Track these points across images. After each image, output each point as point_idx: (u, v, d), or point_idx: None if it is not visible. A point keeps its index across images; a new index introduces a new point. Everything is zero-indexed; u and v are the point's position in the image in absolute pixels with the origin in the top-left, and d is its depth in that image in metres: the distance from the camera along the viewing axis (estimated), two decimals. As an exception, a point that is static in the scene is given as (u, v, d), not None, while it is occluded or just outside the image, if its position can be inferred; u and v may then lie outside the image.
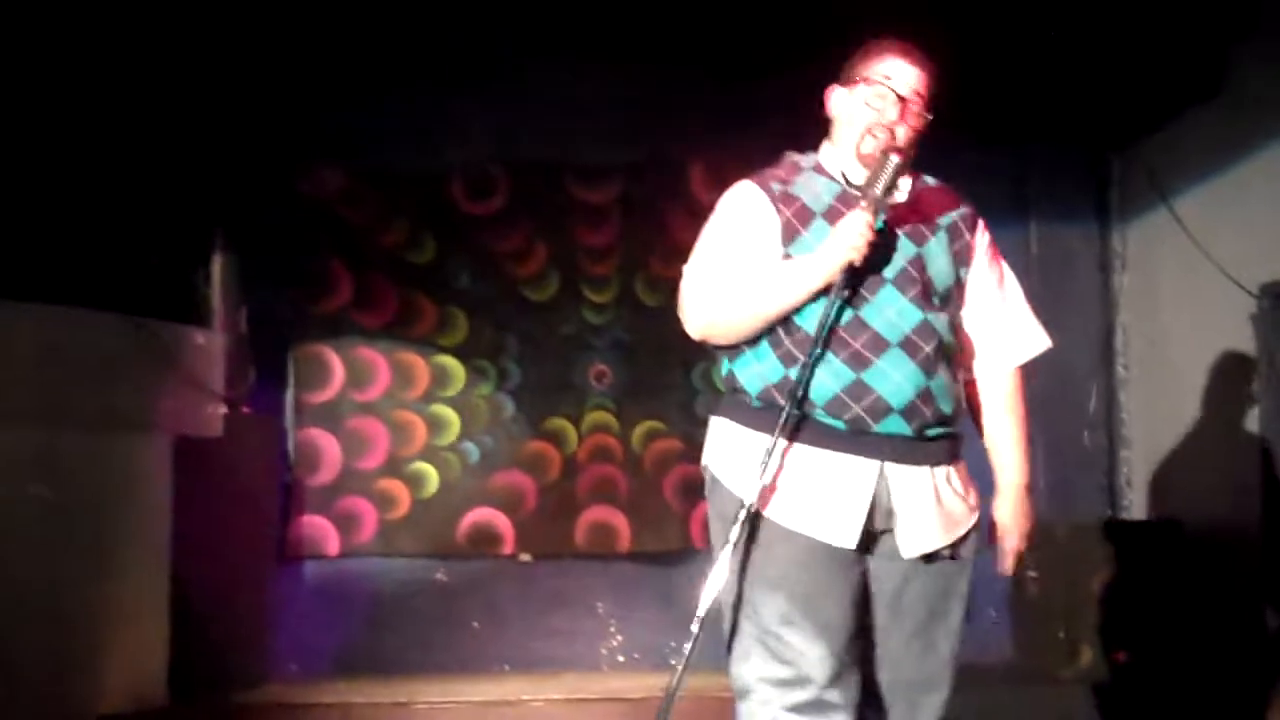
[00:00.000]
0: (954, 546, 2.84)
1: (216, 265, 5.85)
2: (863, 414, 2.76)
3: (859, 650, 2.83)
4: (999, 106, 6.12)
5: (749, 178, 2.94)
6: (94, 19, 5.16)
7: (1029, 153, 6.35)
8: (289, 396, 6.25)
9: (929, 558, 2.82)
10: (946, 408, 2.82)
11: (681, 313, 2.95)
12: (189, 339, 5.30)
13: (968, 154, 6.20)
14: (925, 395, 2.77)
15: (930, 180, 2.99)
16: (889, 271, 2.81)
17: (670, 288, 6.45)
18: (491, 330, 6.36)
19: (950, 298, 2.88)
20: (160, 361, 5.09)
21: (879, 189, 2.76)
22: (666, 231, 6.20)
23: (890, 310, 2.79)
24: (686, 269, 2.97)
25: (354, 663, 5.90)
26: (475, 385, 6.33)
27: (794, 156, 2.98)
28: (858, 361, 2.76)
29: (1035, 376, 6.20)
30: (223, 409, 5.37)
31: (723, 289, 2.87)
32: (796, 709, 2.74)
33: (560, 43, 5.90)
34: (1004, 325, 2.99)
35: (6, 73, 5.05)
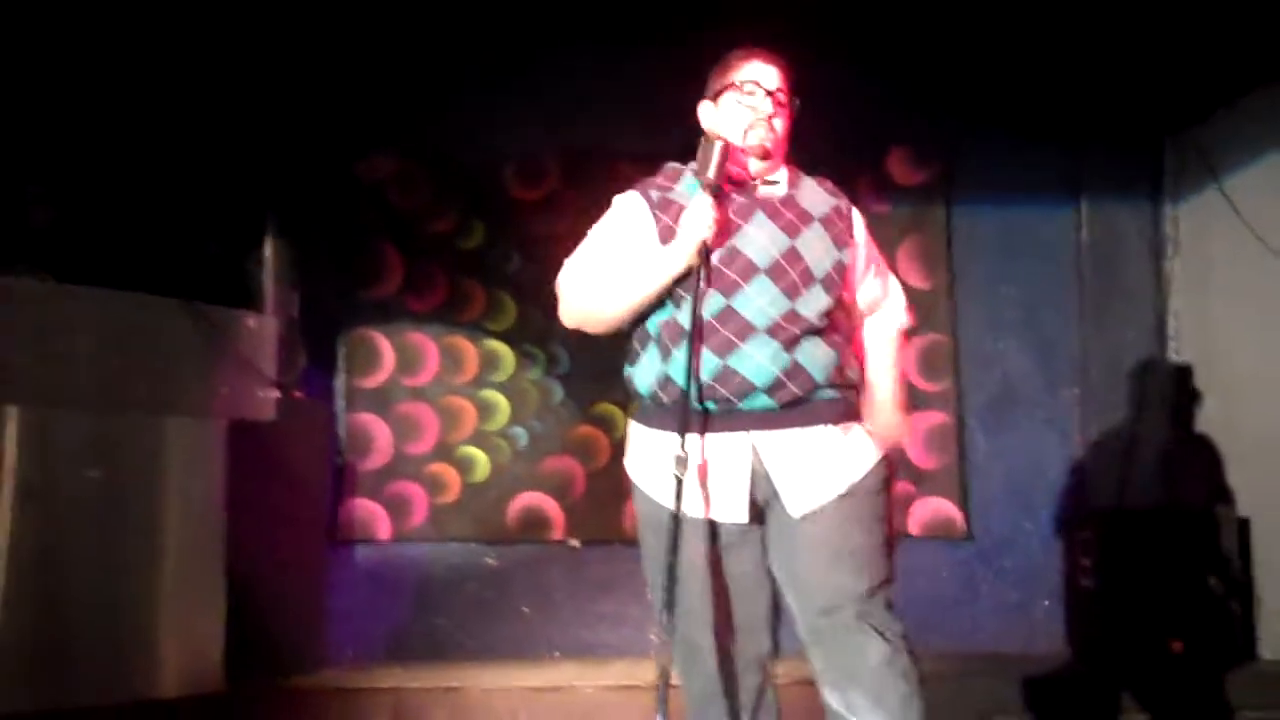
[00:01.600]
0: (849, 489, 3.05)
1: (269, 250, 5.88)
2: (730, 395, 2.99)
3: (765, 618, 3.16)
4: (1051, 92, 6.08)
5: (633, 187, 3.23)
6: (153, 9, 5.19)
7: (1081, 138, 6.29)
8: (340, 381, 6.27)
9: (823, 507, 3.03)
10: (819, 375, 3.03)
11: (559, 304, 3.28)
12: (242, 323, 5.32)
13: (1020, 141, 6.23)
14: (792, 370, 3.00)
15: (807, 178, 3.23)
16: (762, 261, 3.05)
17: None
18: (541, 315, 6.35)
19: (832, 280, 3.10)
20: (214, 346, 5.12)
21: (712, 172, 3.03)
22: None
23: (762, 299, 3.02)
24: (565, 264, 3.27)
25: (405, 647, 5.93)
26: (524, 370, 6.34)
27: (675, 165, 3.25)
28: (725, 348, 3.00)
29: (1089, 363, 6.24)
30: (275, 393, 5.39)
31: (593, 281, 3.19)
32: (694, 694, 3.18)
33: (612, 28, 5.89)
34: (887, 299, 3.32)
35: (68, 64, 5.10)
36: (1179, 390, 6.29)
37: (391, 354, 6.30)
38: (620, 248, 3.18)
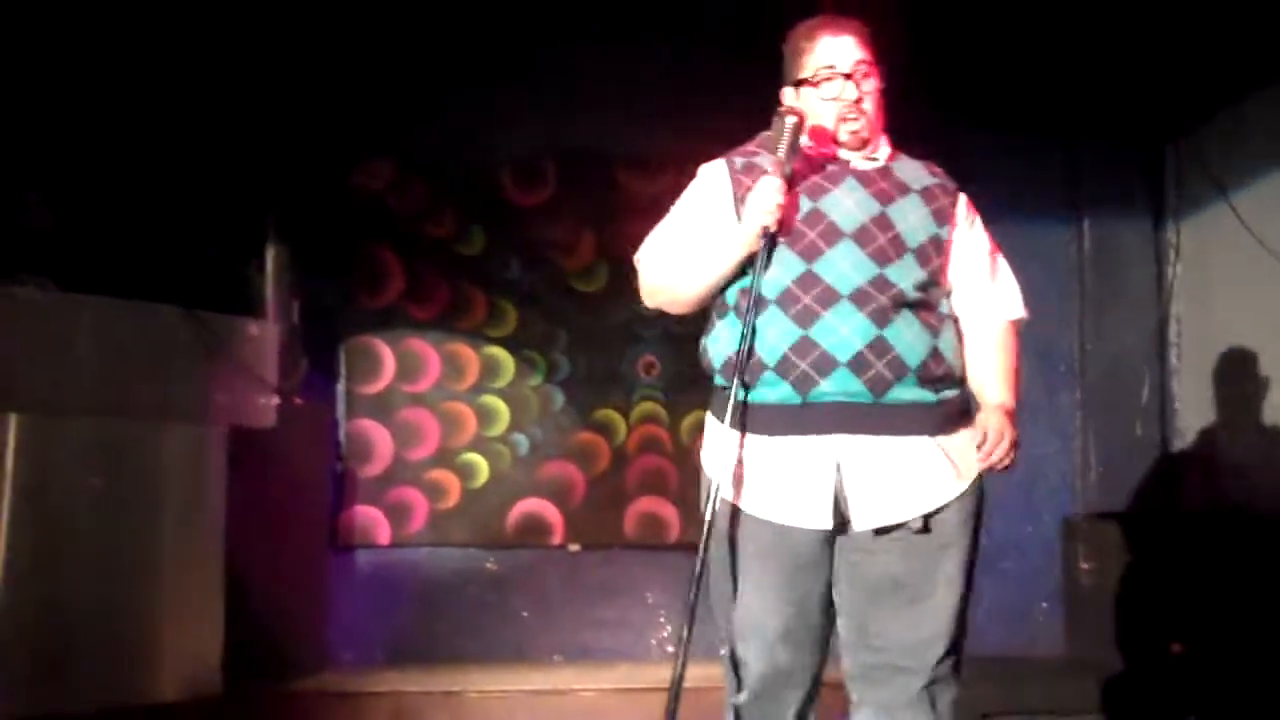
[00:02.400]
0: (927, 519, 2.79)
1: (270, 257, 5.89)
2: (809, 370, 2.76)
3: (825, 634, 2.89)
4: (1050, 96, 6.08)
5: (723, 154, 3.04)
6: (150, 14, 5.21)
7: (1081, 142, 6.30)
8: (340, 387, 6.28)
9: (896, 531, 2.79)
10: (911, 359, 2.78)
11: (640, 284, 3.09)
12: (242, 330, 5.34)
13: (1019, 145, 6.23)
14: (878, 346, 2.76)
15: (909, 157, 3.04)
16: (848, 226, 2.83)
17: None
18: (541, 322, 6.38)
19: (928, 254, 2.87)
20: (214, 352, 5.13)
21: (782, 151, 2.83)
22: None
23: (844, 263, 2.79)
24: (645, 240, 3.09)
25: (405, 651, 5.94)
26: (525, 376, 6.35)
27: (769, 134, 2.98)
28: (805, 316, 2.78)
29: (1089, 367, 6.22)
30: (275, 400, 5.41)
31: (668, 258, 2.99)
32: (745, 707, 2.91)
33: (610, 33, 5.90)
34: (995, 285, 3.02)
35: (70, 71, 5.12)
36: (1179, 394, 6.29)
37: (392, 360, 6.31)
38: (699, 220, 2.98)
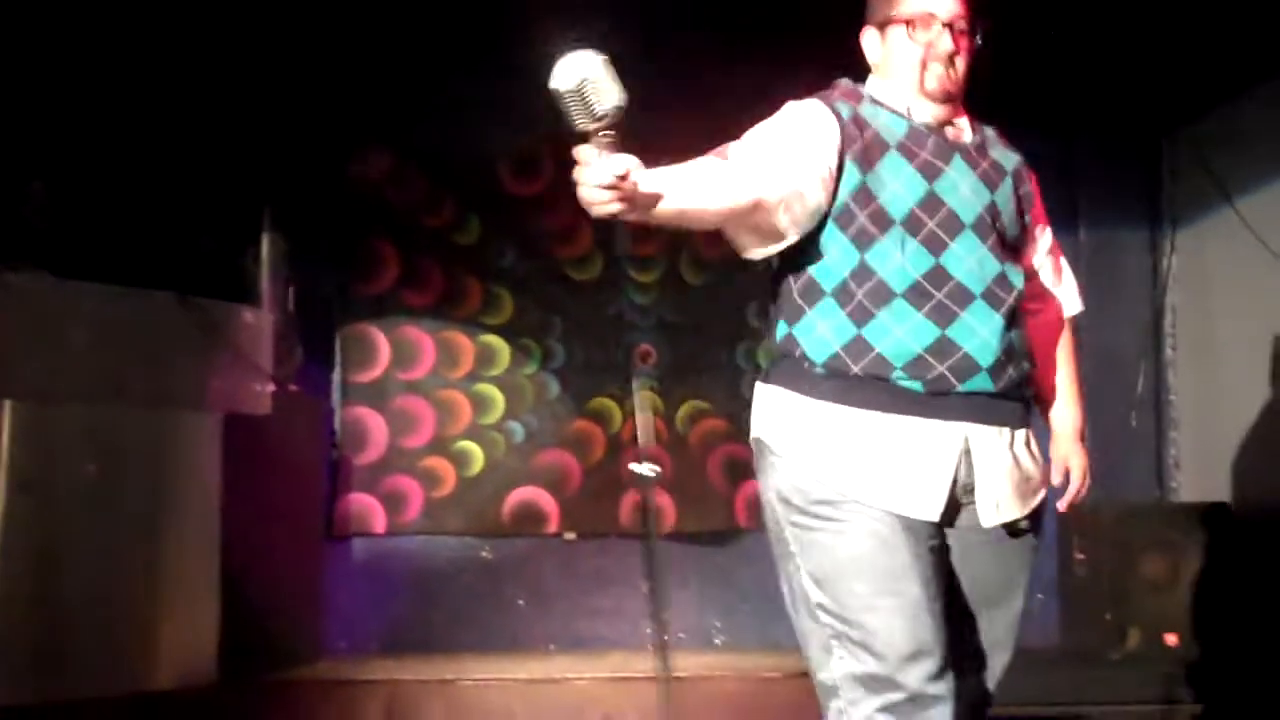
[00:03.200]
0: (1030, 517, 2.65)
1: (265, 245, 5.88)
2: (946, 373, 2.52)
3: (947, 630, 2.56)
4: (1046, 89, 6.07)
5: (813, 96, 2.68)
6: (148, 5, 5.20)
7: (1077, 136, 6.29)
8: (336, 375, 6.29)
9: (1009, 528, 2.62)
10: (1028, 364, 2.65)
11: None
12: (238, 318, 5.33)
13: (1014, 138, 6.21)
14: (1010, 351, 2.58)
15: (985, 126, 2.79)
16: (967, 216, 2.58)
17: (715, 267, 6.43)
18: (536, 310, 6.38)
19: (1020, 246, 2.72)
20: (210, 340, 5.13)
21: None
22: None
23: (971, 259, 2.56)
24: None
25: (400, 640, 5.95)
26: (520, 365, 6.36)
27: (849, 83, 2.74)
28: (941, 315, 2.53)
29: (1084, 359, 6.22)
30: (271, 387, 5.40)
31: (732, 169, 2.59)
32: (891, 709, 2.46)
33: (605, 20, 5.88)
34: (1057, 276, 2.89)
35: (66, 61, 5.11)
36: (1174, 386, 6.30)
37: (387, 348, 6.31)
38: (799, 149, 2.57)
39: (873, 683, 2.48)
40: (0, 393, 4.45)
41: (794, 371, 2.63)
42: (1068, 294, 2.91)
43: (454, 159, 6.33)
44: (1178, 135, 6.25)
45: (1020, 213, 2.71)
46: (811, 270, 2.61)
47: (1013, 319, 2.58)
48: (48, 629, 4.43)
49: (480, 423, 6.31)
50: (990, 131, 2.78)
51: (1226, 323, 5.89)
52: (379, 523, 6.21)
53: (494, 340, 6.37)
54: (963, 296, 2.54)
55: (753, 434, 2.71)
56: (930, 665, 2.47)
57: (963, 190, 2.60)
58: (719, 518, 6.24)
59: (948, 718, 2.48)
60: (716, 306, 6.23)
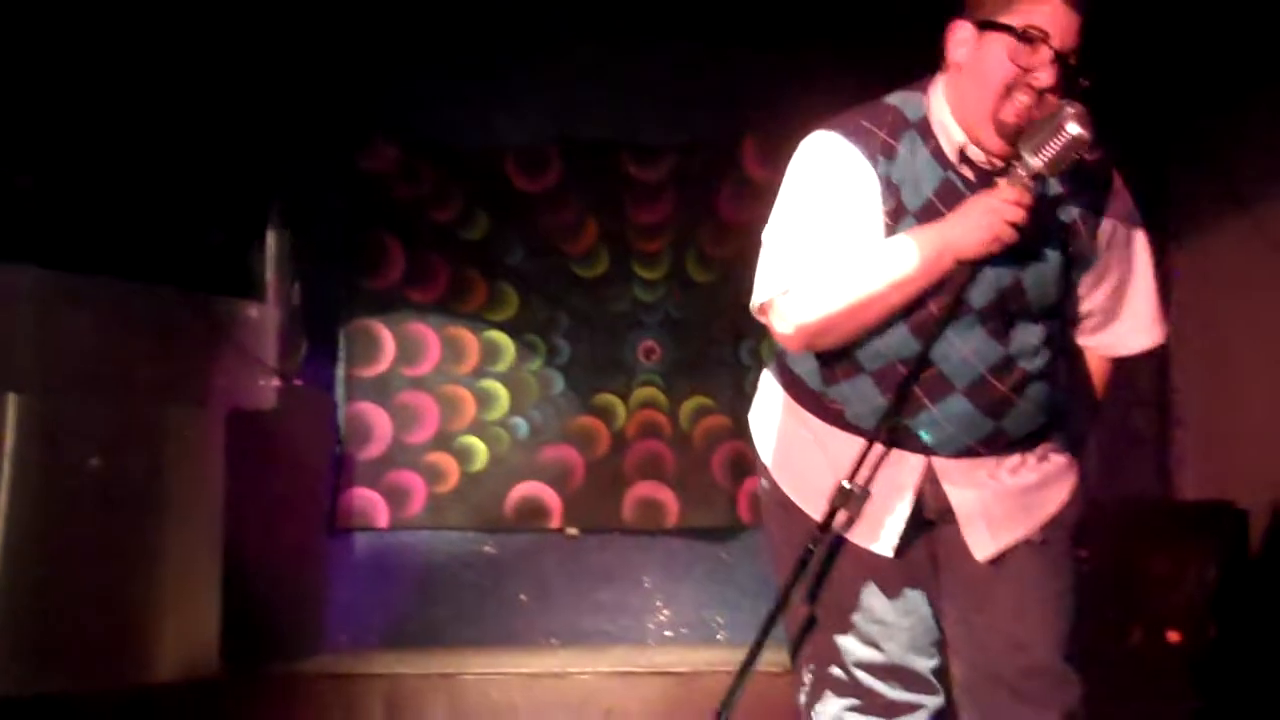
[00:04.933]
0: (1045, 529, 2.49)
1: (271, 240, 5.88)
2: (901, 441, 2.41)
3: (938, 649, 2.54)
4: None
5: (846, 134, 2.39)
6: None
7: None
8: (340, 371, 6.29)
9: (1015, 549, 2.47)
10: (1025, 430, 2.44)
11: (770, 311, 2.43)
12: (243, 313, 5.34)
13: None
14: (992, 435, 2.41)
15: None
16: (979, 300, 2.35)
17: (721, 265, 6.41)
18: (542, 306, 6.38)
19: (1055, 310, 2.43)
20: (215, 335, 5.14)
21: (1043, 161, 2.25)
22: (718, 209, 6.20)
23: (967, 348, 2.36)
24: (771, 243, 2.45)
25: (403, 634, 5.96)
26: (525, 361, 6.36)
27: (896, 105, 2.43)
28: (908, 403, 2.37)
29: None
30: (275, 382, 5.41)
31: (831, 273, 2.34)
32: (856, 709, 2.49)
33: (614, 20, 5.90)
34: (1110, 317, 2.55)
35: (71, 53, 5.11)
36: (1178, 383, 6.29)
37: (392, 344, 6.32)
38: (847, 223, 2.36)
39: (839, 685, 2.51)
40: (4, 386, 4.46)
41: (782, 366, 2.61)
42: (1124, 333, 2.57)
43: (461, 154, 6.33)
44: (1182, 131, 6.23)
45: (1066, 272, 2.42)
46: None
47: (1009, 403, 2.38)
48: (51, 621, 4.45)
49: (484, 418, 6.32)
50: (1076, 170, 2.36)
51: (1232, 320, 5.88)
52: (382, 517, 6.21)
53: (499, 336, 6.37)
54: (940, 388, 2.37)
55: (750, 424, 2.71)
56: (899, 675, 2.49)
57: (984, 271, 2.32)
58: (722, 514, 6.23)
59: None
60: (721, 304, 6.22)
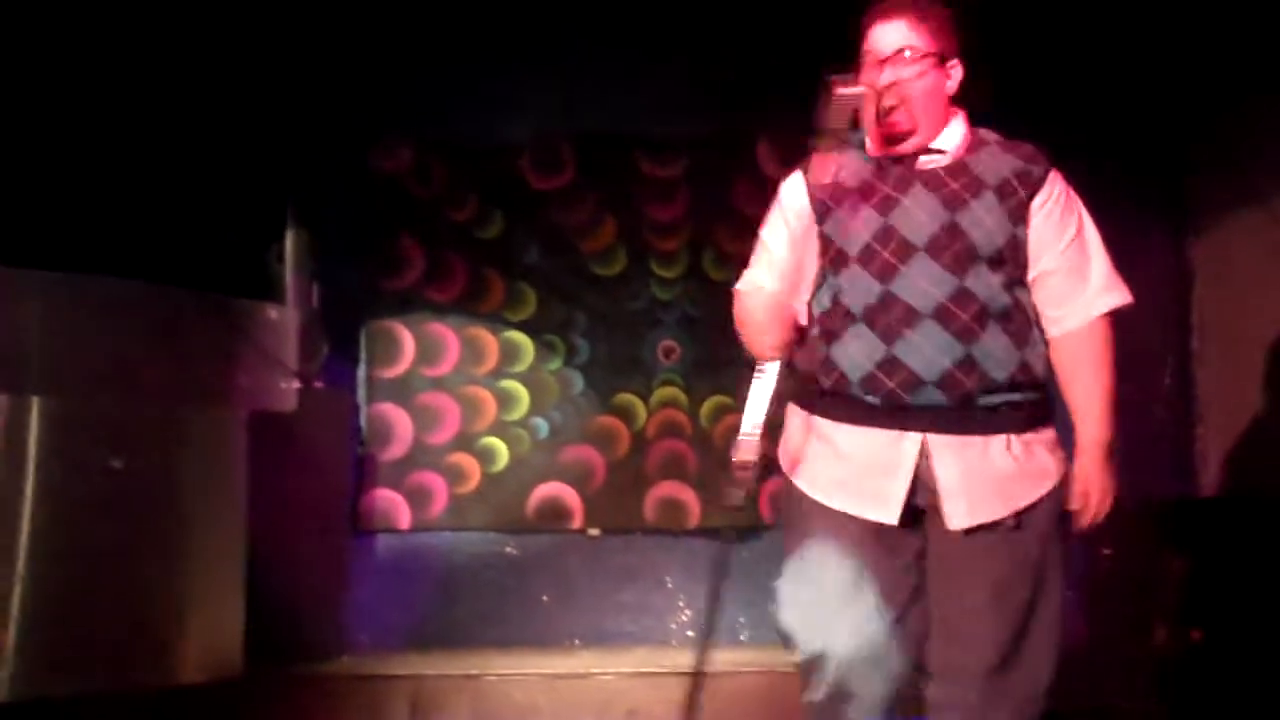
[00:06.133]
0: (1019, 516, 2.74)
1: (289, 242, 5.90)
2: (896, 389, 2.73)
3: (912, 634, 2.80)
4: (1070, 74, 6.05)
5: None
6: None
7: (1100, 123, 6.24)
8: (361, 372, 6.30)
9: (990, 530, 2.73)
10: (999, 374, 2.73)
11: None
12: (262, 314, 5.34)
13: (1037, 125, 6.18)
14: (966, 364, 2.71)
15: (995, 142, 2.89)
16: (919, 240, 2.75)
17: (738, 263, 6.44)
18: (560, 306, 6.38)
19: (1004, 258, 2.77)
20: (235, 337, 5.15)
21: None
22: (734, 207, 6.19)
23: (923, 280, 2.73)
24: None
25: (425, 635, 5.96)
26: (544, 361, 6.36)
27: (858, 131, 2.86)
28: (889, 335, 2.74)
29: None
30: (296, 384, 5.42)
31: (749, 294, 2.95)
32: (829, 697, 2.78)
33: (629, 17, 5.90)
34: (1072, 282, 2.85)
35: (84, 51, 5.13)
36: (1199, 380, 6.26)
37: (412, 344, 6.33)
38: (775, 242, 2.95)
39: (809, 678, 2.80)
40: (27, 389, 4.47)
41: (789, 368, 2.90)
42: (1086, 297, 2.87)
43: (477, 153, 6.34)
44: (1201, 129, 6.20)
45: (1010, 223, 2.78)
46: (811, 301, 2.93)
47: (972, 333, 2.71)
48: (74, 623, 4.45)
49: (505, 419, 6.32)
50: (990, 142, 2.87)
51: (1252, 316, 5.85)
52: (404, 518, 6.22)
53: (518, 336, 6.37)
54: (910, 317, 2.73)
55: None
56: (873, 665, 2.73)
57: (918, 216, 2.76)
58: (744, 514, 6.22)
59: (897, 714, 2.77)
60: (741, 302, 6.20)
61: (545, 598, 6.15)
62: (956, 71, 2.88)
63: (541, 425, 6.33)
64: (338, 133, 6.08)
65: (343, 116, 6.08)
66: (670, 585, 6.17)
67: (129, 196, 5.23)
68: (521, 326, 6.36)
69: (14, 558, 4.38)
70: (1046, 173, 2.84)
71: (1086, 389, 2.85)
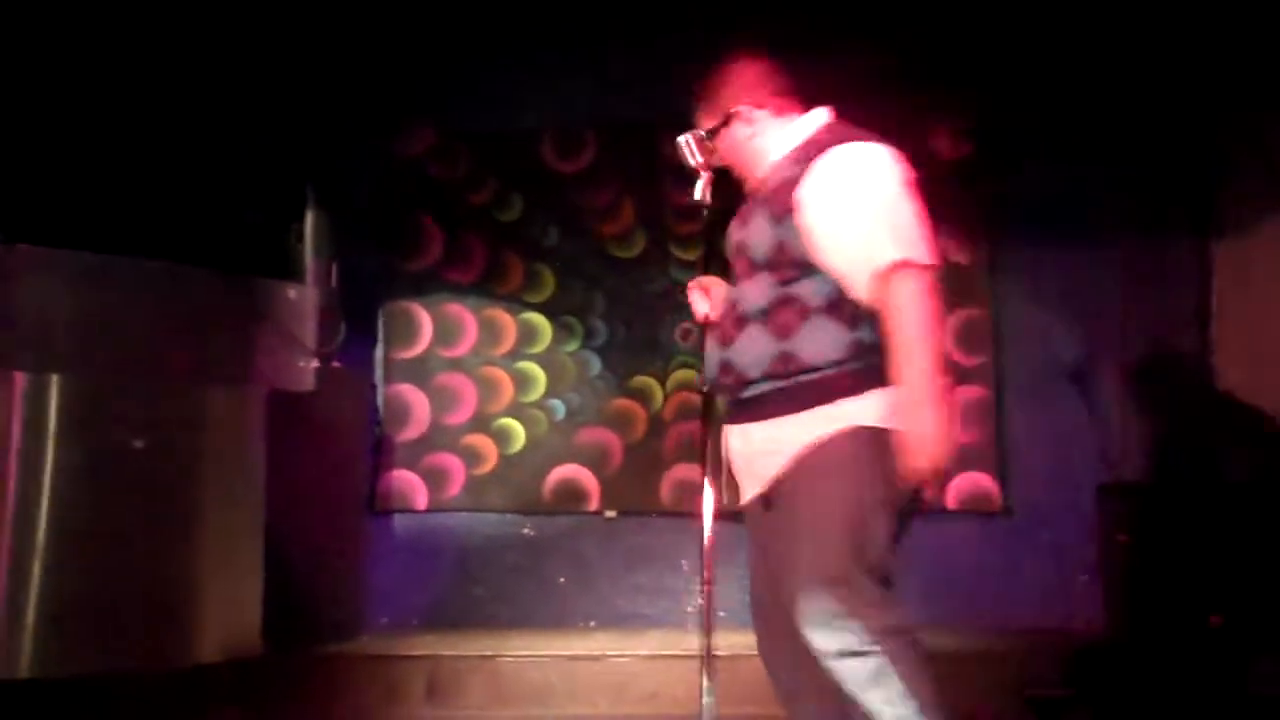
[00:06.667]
0: (766, 497, 2.97)
1: (309, 223, 5.90)
2: (700, 388, 3.18)
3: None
4: (1099, 69, 6.03)
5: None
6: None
7: (1129, 116, 6.21)
8: (379, 352, 6.32)
9: (768, 506, 2.99)
10: (753, 372, 2.95)
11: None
12: (282, 294, 5.35)
13: (1065, 117, 6.17)
14: (724, 368, 3.00)
15: (791, 155, 3.06)
16: (731, 259, 3.12)
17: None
18: (579, 288, 6.38)
19: (773, 262, 2.95)
20: (255, 317, 5.15)
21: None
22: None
23: (718, 297, 3.13)
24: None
25: (442, 615, 5.99)
26: (562, 342, 6.36)
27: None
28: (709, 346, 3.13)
29: (1129, 337, 6.17)
30: (314, 363, 5.42)
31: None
32: None
33: (651, 2, 5.89)
34: (849, 251, 2.88)
35: (113, 40, 5.13)
36: (1219, 367, 6.24)
37: (430, 325, 6.33)
38: None
39: None
40: (47, 368, 4.49)
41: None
42: (861, 255, 2.87)
43: (497, 136, 6.34)
44: (1231, 118, 6.16)
45: (772, 227, 2.97)
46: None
47: (728, 338, 3.01)
48: (94, 602, 4.48)
49: (522, 400, 6.33)
50: (787, 161, 3.06)
51: (1273, 302, 5.83)
52: (421, 499, 6.23)
53: (536, 318, 6.37)
54: (710, 329, 3.11)
55: None
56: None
57: (732, 239, 3.13)
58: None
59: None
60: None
61: (562, 579, 6.16)
62: (754, 114, 3.17)
63: (559, 407, 6.33)
64: (359, 116, 6.09)
65: (364, 100, 6.09)
66: (686, 568, 6.16)
67: (152, 178, 5.23)
68: (540, 308, 6.37)
69: (34, 536, 4.41)
70: (811, 164, 2.96)
71: (895, 349, 2.82)
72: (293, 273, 5.73)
